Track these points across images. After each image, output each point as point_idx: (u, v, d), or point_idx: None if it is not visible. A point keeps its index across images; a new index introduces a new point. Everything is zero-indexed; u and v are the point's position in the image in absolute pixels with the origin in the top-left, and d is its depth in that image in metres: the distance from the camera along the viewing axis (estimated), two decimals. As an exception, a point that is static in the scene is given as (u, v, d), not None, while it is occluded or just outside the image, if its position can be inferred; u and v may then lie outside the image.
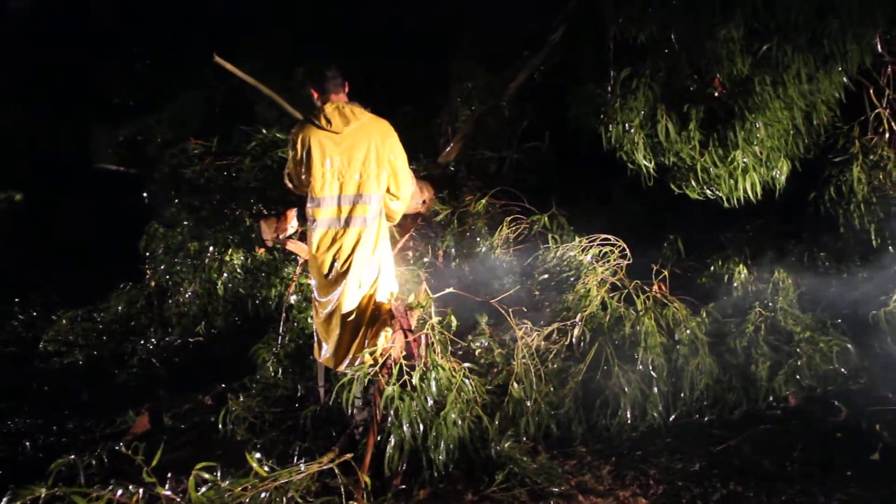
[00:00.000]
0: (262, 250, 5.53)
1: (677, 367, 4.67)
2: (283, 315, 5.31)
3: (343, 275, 4.41)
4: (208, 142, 5.80)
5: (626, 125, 4.75)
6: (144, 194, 6.52)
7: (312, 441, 4.57)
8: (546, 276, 5.28)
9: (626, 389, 4.48)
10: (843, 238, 5.19)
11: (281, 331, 5.29)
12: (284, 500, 3.39)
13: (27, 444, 4.99)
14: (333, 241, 4.44)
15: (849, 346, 4.93)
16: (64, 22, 9.77)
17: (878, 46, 4.60)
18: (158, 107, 9.55)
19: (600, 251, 5.24)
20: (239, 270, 5.60)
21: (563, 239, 5.65)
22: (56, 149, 9.78)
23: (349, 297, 4.44)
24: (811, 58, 4.42)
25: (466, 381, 4.16)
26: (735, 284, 5.45)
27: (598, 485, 4.02)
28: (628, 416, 4.46)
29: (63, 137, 9.80)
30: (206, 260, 5.62)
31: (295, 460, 4.27)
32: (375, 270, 4.48)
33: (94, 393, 5.75)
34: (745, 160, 4.68)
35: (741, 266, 5.42)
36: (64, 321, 6.51)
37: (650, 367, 4.57)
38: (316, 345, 4.75)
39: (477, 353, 4.73)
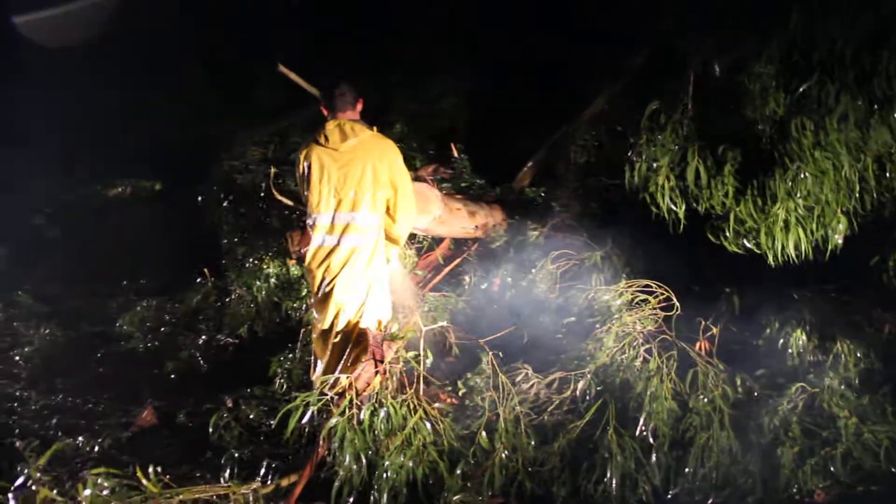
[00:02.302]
0: (293, 261, 5.52)
1: (686, 438, 4.17)
2: (303, 329, 5.27)
3: (329, 293, 4.31)
4: (266, 148, 5.87)
5: (653, 164, 4.29)
6: (199, 197, 6.73)
7: (294, 460, 4.48)
8: (573, 319, 4.89)
9: (617, 456, 4.05)
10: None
11: (299, 346, 5.25)
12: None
13: (54, 421, 5.26)
14: (326, 257, 4.34)
15: (908, 441, 4.21)
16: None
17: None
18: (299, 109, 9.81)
19: (635, 298, 4.79)
20: (274, 279, 5.63)
21: (612, 281, 5.24)
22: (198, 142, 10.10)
23: (335, 317, 4.34)
24: (861, 99, 3.78)
25: (427, 423, 3.91)
26: (790, 352, 4.79)
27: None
28: (614, 485, 4.02)
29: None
30: (248, 265, 5.69)
31: (263, 477, 4.24)
32: (363, 293, 4.33)
33: (138, 381, 5.95)
34: (787, 214, 4.08)
35: (799, 331, 4.76)
36: (138, 308, 6.81)
37: (651, 436, 4.11)
38: (312, 363, 4.68)
39: (460, 395, 4.44)
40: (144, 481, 3.33)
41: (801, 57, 3.85)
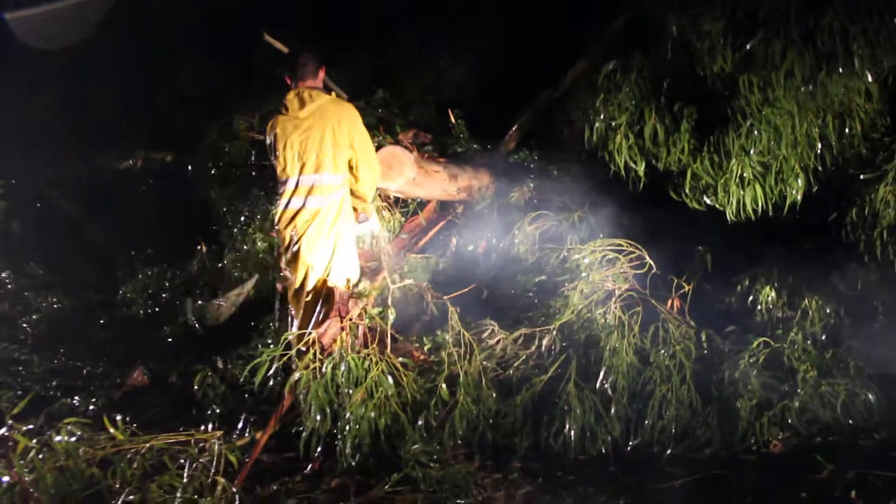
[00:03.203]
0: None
1: (646, 392, 4.26)
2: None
3: (297, 253, 4.48)
4: (251, 118, 6.01)
5: (611, 123, 4.34)
6: (189, 166, 6.91)
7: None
8: (544, 277, 4.99)
9: (576, 409, 4.16)
10: (867, 270, 4.43)
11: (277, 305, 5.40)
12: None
13: (55, 382, 5.50)
14: (292, 218, 4.51)
15: (869, 395, 4.26)
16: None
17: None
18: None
19: (604, 256, 4.87)
20: (262, 243, 5.80)
21: (589, 241, 5.31)
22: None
23: (304, 276, 4.51)
24: (808, 56, 3.79)
25: (388, 376, 4.07)
26: (759, 308, 4.85)
27: (503, 504, 3.80)
28: (572, 437, 4.14)
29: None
30: (237, 231, 5.86)
31: (241, 430, 4.44)
32: (329, 252, 4.48)
33: (137, 345, 6.18)
34: (743, 170, 4.11)
35: (768, 288, 4.81)
36: (140, 276, 7.04)
37: (611, 389, 4.22)
38: (290, 321, 4.84)
39: (426, 350, 4.57)
40: (112, 430, 3.53)
41: (746, 15, 3.88)
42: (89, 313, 6.87)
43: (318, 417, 3.95)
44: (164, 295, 6.79)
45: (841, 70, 3.83)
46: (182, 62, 9.68)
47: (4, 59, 9.19)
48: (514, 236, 5.53)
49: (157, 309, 6.72)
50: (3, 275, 7.50)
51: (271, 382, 4.39)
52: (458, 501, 3.76)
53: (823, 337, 4.70)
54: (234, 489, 3.64)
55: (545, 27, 7.28)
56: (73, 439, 3.47)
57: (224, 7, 9.22)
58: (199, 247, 6.78)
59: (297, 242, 4.45)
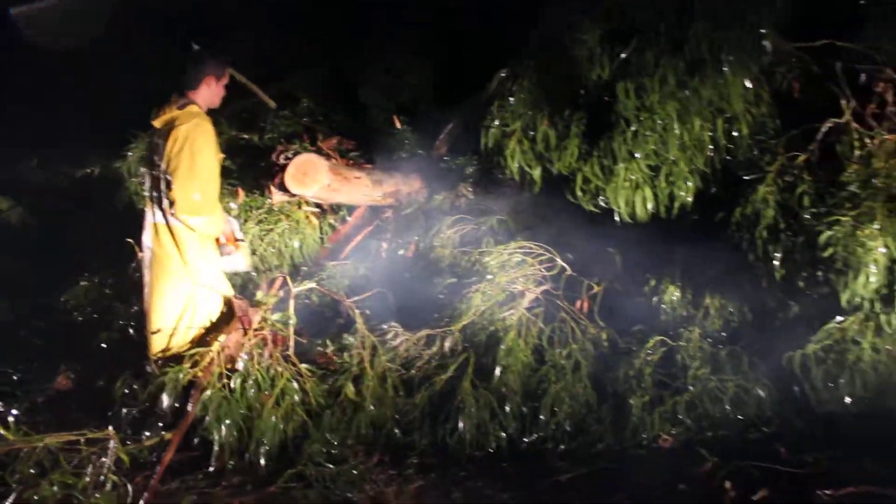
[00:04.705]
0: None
1: (541, 390, 4.39)
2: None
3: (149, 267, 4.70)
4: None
5: (505, 130, 4.48)
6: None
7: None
8: (454, 280, 5.11)
9: (471, 407, 4.29)
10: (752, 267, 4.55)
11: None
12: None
13: (-12, 388, 5.60)
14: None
15: (759, 390, 4.39)
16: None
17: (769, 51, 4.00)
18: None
19: (512, 258, 5.00)
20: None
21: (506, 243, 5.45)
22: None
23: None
24: (681, 63, 3.93)
25: (294, 383, 4.20)
26: (664, 307, 4.97)
27: (394, 499, 3.91)
28: (467, 434, 4.26)
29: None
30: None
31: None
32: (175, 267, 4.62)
33: (71, 350, 6.28)
34: (632, 173, 4.25)
35: (672, 287, 4.93)
36: (82, 283, 7.13)
37: (505, 387, 4.35)
38: None
39: (329, 353, 4.68)
40: (2, 430, 3.64)
41: (621, 23, 4.02)
42: (28, 319, 6.96)
43: (224, 431, 4.09)
44: (103, 301, 6.86)
45: (711, 76, 3.97)
46: (141, 68, 9.82)
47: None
48: (433, 240, 5.66)
49: (95, 315, 6.80)
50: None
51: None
52: (348, 495, 3.89)
53: (724, 334, 4.82)
54: (130, 486, 3.78)
55: (483, 34, 7.44)
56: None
57: (183, 11, 9.39)
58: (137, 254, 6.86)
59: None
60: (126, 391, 5.00)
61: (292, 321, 4.34)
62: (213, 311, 4.64)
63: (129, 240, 6.52)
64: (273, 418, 4.16)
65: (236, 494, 3.98)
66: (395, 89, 8.10)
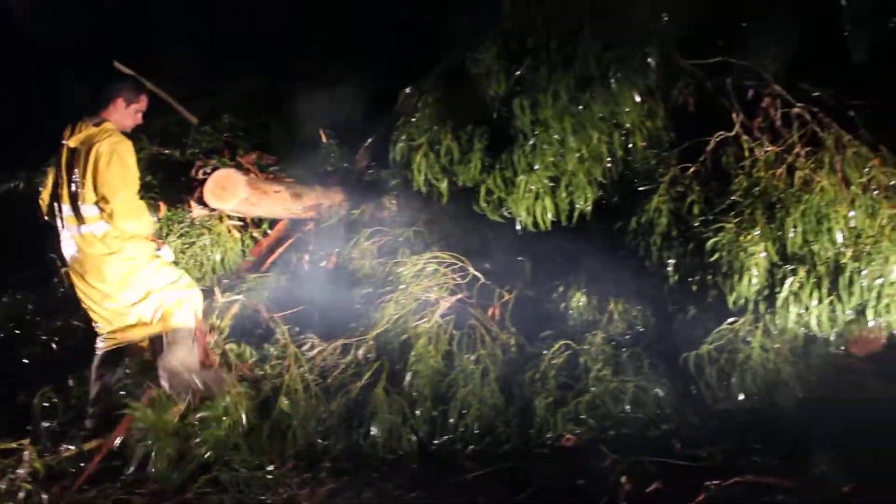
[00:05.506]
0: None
1: (450, 394, 4.57)
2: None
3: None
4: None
5: (411, 143, 4.68)
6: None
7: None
8: (370, 290, 5.27)
9: (384, 412, 4.45)
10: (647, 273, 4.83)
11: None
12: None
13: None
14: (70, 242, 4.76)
15: (657, 390, 4.64)
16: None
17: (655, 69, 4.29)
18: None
19: (425, 268, 5.18)
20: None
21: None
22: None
23: None
24: (572, 80, 4.19)
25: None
26: (571, 312, 5.21)
27: (306, 500, 4.05)
28: (379, 438, 4.43)
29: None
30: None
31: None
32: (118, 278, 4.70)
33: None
34: (532, 184, 4.48)
35: (579, 294, 5.17)
36: (4, 300, 7.11)
37: (415, 392, 4.52)
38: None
39: (250, 363, 4.80)
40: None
41: (515, 43, 4.25)
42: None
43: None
44: (26, 317, 6.85)
45: (601, 91, 4.23)
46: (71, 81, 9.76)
47: None
48: (353, 252, 5.81)
49: (17, 332, 6.79)
50: None
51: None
52: (262, 497, 4.01)
53: (626, 337, 5.07)
54: (45, 495, 3.86)
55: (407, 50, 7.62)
56: None
57: (114, 25, 9.39)
58: (61, 270, 6.87)
59: None
60: (46, 404, 5.12)
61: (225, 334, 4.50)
62: (167, 302, 4.73)
63: (52, 255, 6.63)
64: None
65: (153, 502, 4.08)
66: (323, 104, 8.30)
